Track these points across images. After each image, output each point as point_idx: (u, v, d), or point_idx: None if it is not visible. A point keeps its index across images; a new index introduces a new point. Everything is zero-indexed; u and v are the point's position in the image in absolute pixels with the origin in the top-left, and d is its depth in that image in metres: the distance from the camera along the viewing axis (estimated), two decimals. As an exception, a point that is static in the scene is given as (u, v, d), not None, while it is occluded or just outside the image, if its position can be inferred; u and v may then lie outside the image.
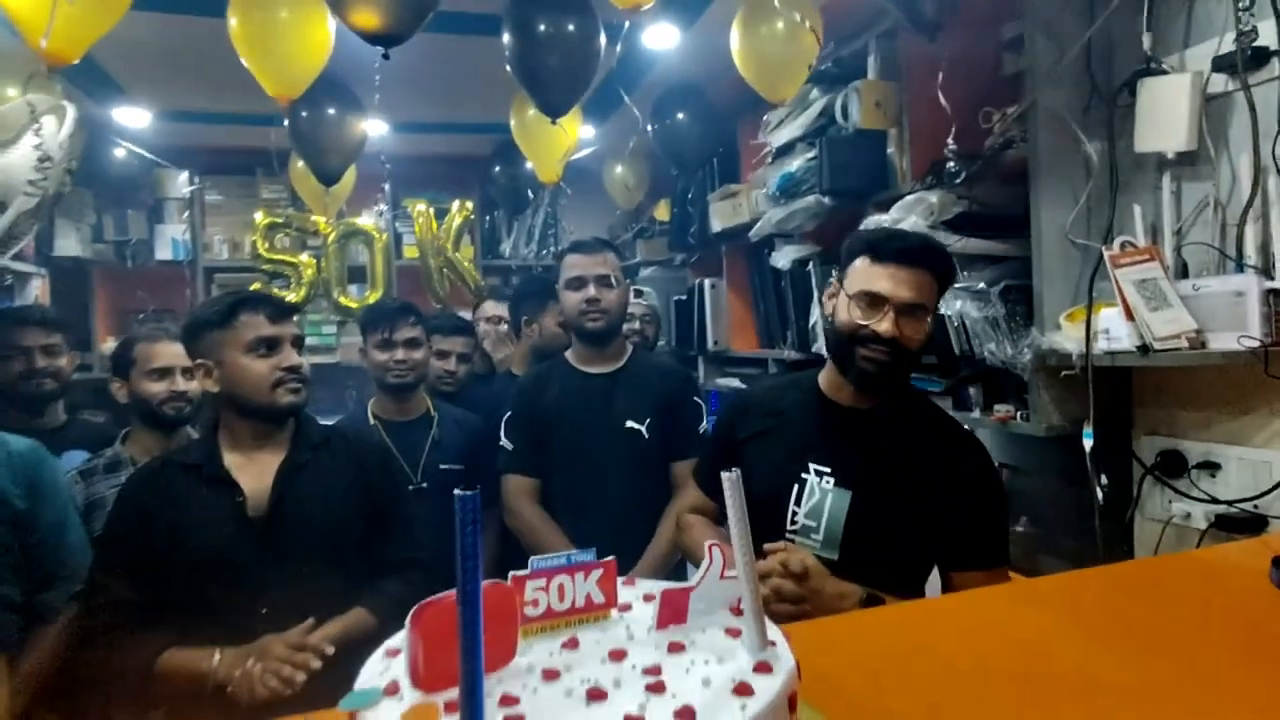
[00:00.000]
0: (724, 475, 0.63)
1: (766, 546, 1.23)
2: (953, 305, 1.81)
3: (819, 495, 1.30)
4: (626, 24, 2.11)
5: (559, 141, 2.53)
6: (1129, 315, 1.53)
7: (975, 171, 1.84)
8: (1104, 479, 1.65)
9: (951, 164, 1.82)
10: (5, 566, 1.54)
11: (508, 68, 1.96)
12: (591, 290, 1.97)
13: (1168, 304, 1.50)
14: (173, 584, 1.47)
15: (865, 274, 1.29)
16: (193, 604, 1.47)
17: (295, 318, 1.63)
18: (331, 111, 2.51)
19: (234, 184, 3.69)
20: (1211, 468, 1.58)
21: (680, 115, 2.84)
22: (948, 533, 1.29)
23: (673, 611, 0.69)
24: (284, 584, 1.50)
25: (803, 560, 1.19)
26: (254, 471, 1.55)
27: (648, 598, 0.74)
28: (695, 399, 2.07)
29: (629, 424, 1.98)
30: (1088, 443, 1.62)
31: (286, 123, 2.51)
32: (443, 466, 2.14)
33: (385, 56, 1.56)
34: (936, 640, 0.90)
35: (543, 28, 1.85)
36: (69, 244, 3.23)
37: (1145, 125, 1.58)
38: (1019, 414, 1.82)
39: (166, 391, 1.93)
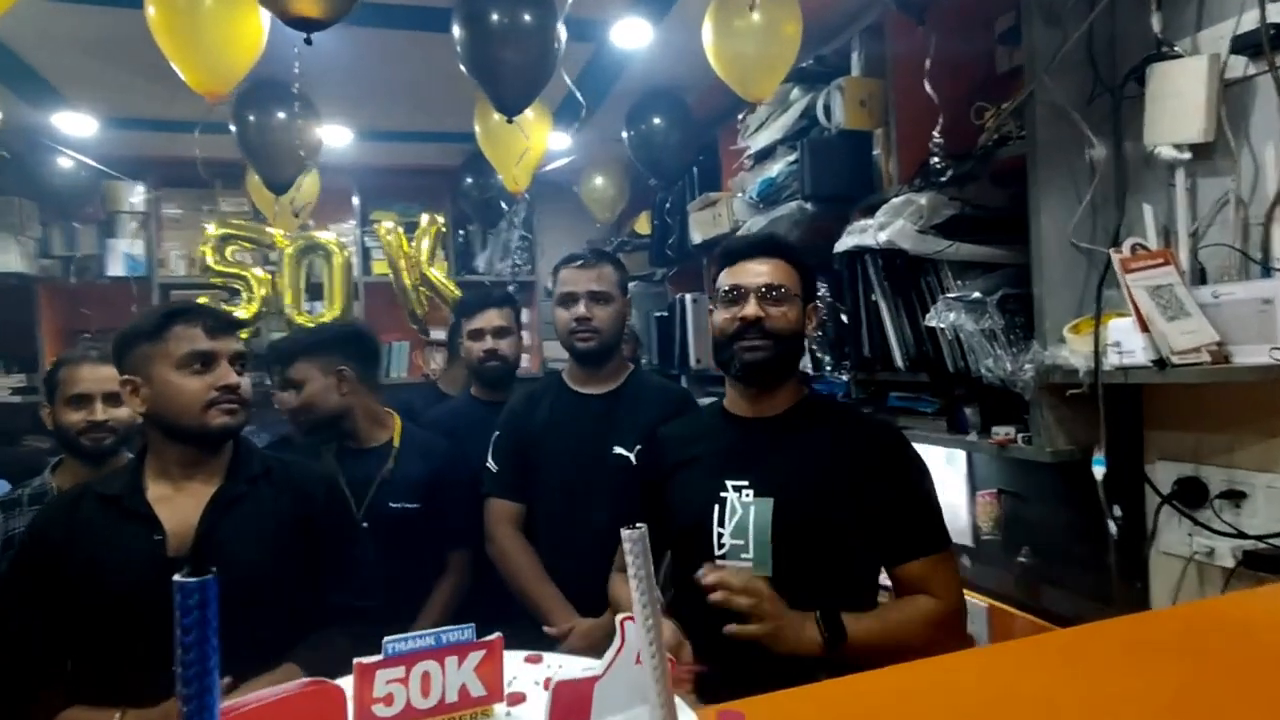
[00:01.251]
0: (624, 533, 0.54)
1: (696, 575, 1.22)
2: (946, 317, 1.65)
3: (741, 510, 1.29)
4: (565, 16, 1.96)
5: (524, 148, 2.37)
6: (1142, 326, 1.36)
7: (967, 171, 1.68)
8: (1116, 509, 1.47)
9: (938, 161, 1.66)
10: None
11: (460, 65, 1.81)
12: (581, 308, 1.83)
13: (1185, 313, 1.33)
14: (80, 632, 1.32)
15: (723, 279, 1.38)
16: (101, 655, 1.31)
17: (238, 333, 1.47)
18: (280, 115, 2.35)
19: (193, 196, 3.52)
20: (1236, 497, 1.41)
21: (657, 121, 2.69)
22: (879, 527, 1.28)
23: (569, 709, 0.51)
24: None
25: (744, 582, 1.20)
26: (180, 505, 1.39)
27: (550, 686, 0.56)
28: None
29: (617, 450, 1.82)
30: (1098, 470, 1.45)
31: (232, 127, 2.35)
32: (393, 505, 1.91)
33: (307, 42, 1.41)
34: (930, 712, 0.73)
35: (495, 18, 1.70)
36: (10, 258, 3.05)
37: (1156, 116, 1.43)
38: (1021, 437, 1.64)
39: (84, 421, 1.75)
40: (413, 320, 3.35)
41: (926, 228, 1.70)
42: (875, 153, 2.06)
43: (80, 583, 1.33)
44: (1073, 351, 1.48)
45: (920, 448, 2.29)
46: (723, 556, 1.29)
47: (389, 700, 0.52)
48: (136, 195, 3.42)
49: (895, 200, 1.77)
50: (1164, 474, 1.52)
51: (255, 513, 1.43)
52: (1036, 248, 1.57)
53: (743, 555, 1.27)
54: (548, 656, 0.70)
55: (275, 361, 1.95)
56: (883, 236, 1.74)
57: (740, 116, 2.47)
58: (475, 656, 0.55)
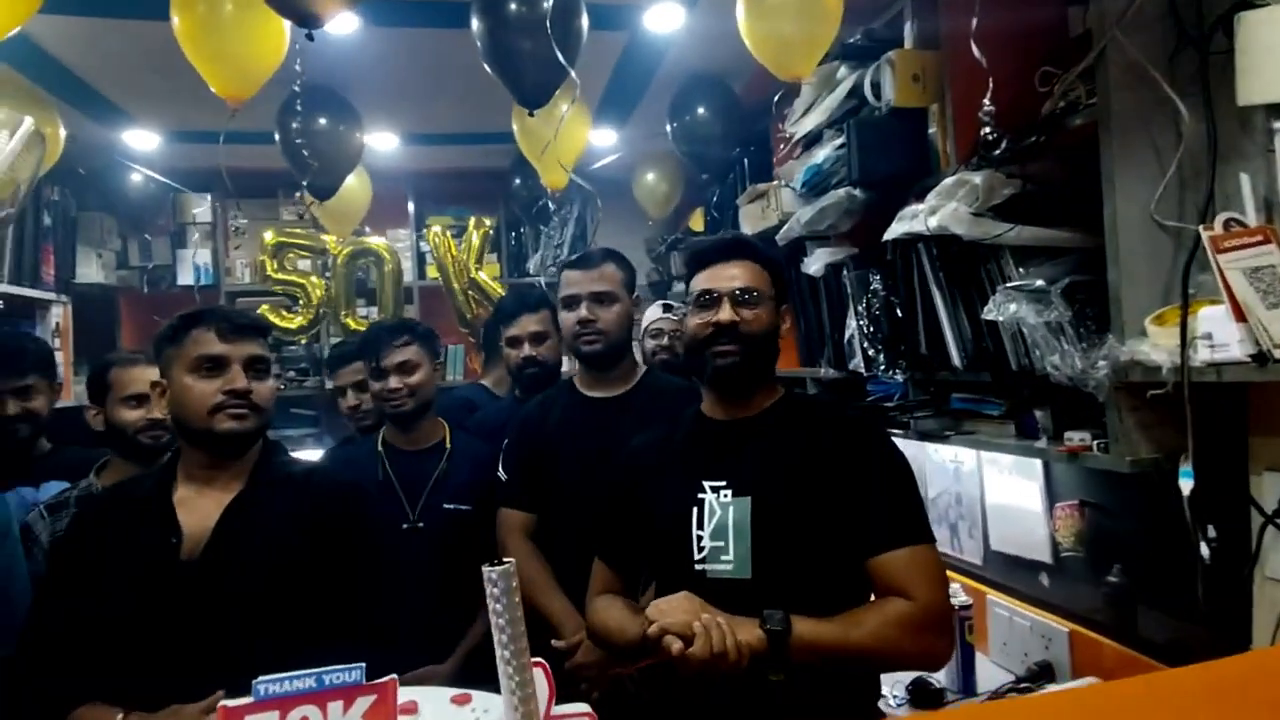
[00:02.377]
0: (485, 570, 0.51)
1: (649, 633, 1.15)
2: (1005, 309, 1.47)
3: (720, 511, 1.27)
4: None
5: (562, 143, 2.30)
6: (1239, 315, 1.16)
7: (1030, 144, 1.50)
8: (1210, 529, 1.27)
9: (990, 133, 1.49)
10: None
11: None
12: (584, 310, 1.77)
13: (1293, 299, 1.12)
14: (101, 631, 1.32)
15: (695, 283, 1.36)
16: (116, 655, 1.32)
17: (260, 338, 1.45)
18: (322, 121, 2.36)
19: (257, 206, 3.64)
20: (1363, 516, 1.19)
21: (700, 111, 2.58)
22: (852, 520, 1.24)
23: None
24: (209, 641, 1.31)
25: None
26: (200, 508, 1.39)
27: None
28: None
29: None
30: (1186, 483, 1.25)
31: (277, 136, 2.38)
32: (447, 506, 1.96)
33: (309, 38, 1.37)
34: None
35: (512, 6, 1.63)
36: (92, 270, 3.22)
37: (1249, 72, 1.21)
38: (1096, 443, 1.45)
39: (143, 419, 1.81)
40: (463, 323, 3.35)
41: (983, 210, 1.53)
42: (931, 131, 1.88)
43: (103, 582, 1.34)
44: (1155, 346, 1.29)
45: (988, 454, 2.14)
46: (703, 560, 1.27)
47: None
48: (203, 207, 3.56)
49: (947, 181, 1.60)
50: (1271, 488, 1.30)
51: (271, 519, 1.41)
52: (1111, 228, 1.37)
53: (723, 558, 1.25)
54: (477, 697, 0.61)
55: (377, 348, 1.98)
56: (933, 221, 1.58)
57: (778, 98, 2.33)
58: (364, 702, 0.47)
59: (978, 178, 1.53)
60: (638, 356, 2.28)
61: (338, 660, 1.33)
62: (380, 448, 2.04)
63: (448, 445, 2.05)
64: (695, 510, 1.30)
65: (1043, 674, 1.90)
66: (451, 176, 3.87)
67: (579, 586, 1.71)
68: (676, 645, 1.10)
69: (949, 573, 1.58)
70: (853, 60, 2.06)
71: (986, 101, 1.49)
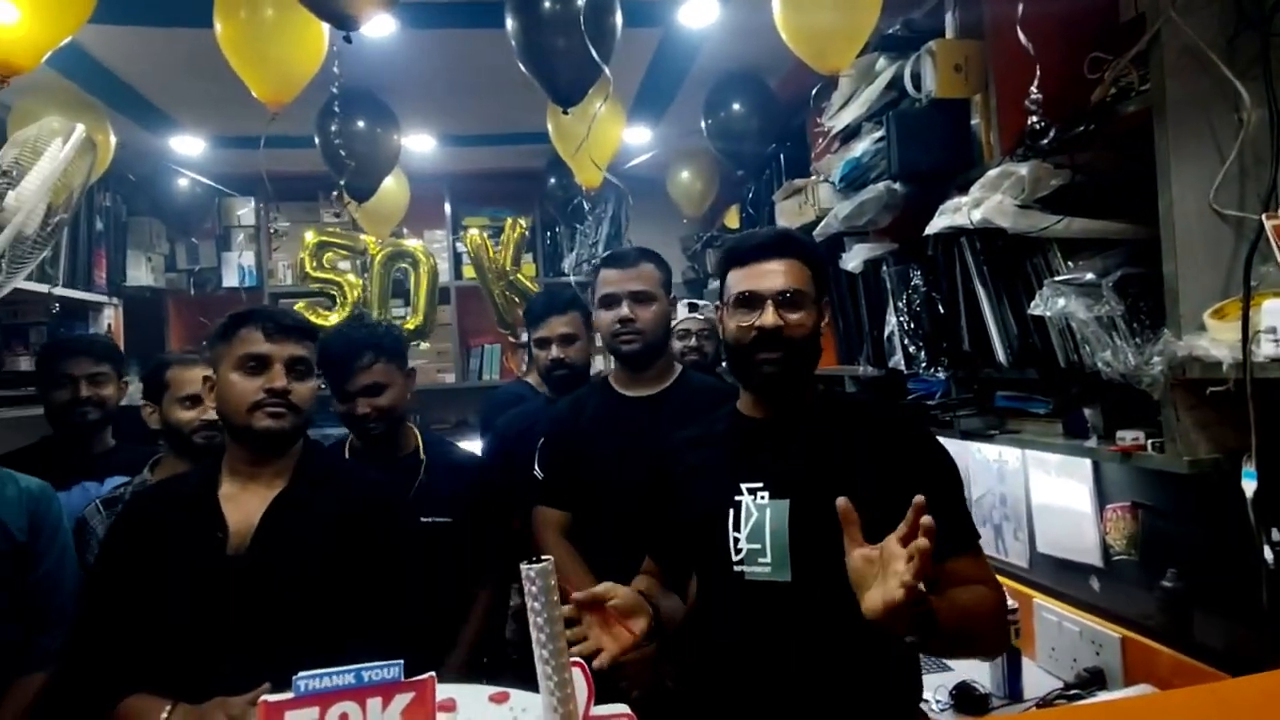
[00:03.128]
0: (523, 568, 0.52)
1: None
2: (1053, 304, 1.42)
3: (756, 513, 1.24)
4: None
5: (596, 141, 2.30)
6: (1306, 308, 1.11)
7: (1080, 134, 1.44)
8: (1275, 532, 1.21)
9: (1037, 122, 1.44)
10: (6, 603, 1.51)
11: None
12: (624, 309, 1.76)
13: (1366, 291, 1.07)
14: (150, 623, 1.36)
15: (734, 281, 1.30)
16: (163, 647, 1.35)
17: (306, 339, 1.47)
18: (360, 124, 2.39)
19: (299, 209, 3.71)
20: None
21: (735, 107, 2.55)
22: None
23: None
24: (254, 634, 1.34)
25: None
26: (245, 504, 1.42)
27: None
28: None
29: None
30: (1249, 484, 1.19)
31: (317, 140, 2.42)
32: (424, 520, 1.81)
33: (347, 40, 1.39)
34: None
35: (546, 5, 1.63)
36: (142, 273, 3.31)
37: (1319, 50, 1.16)
38: (1151, 443, 1.39)
39: (197, 419, 1.85)
40: (501, 324, 3.37)
41: (1029, 201, 1.48)
42: (974, 122, 1.83)
43: (152, 574, 1.38)
44: (1215, 340, 1.23)
45: (1034, 453, 2.08)
46: (740, 562, 1.24)
47: None
48: (246, 210, 3.64)
49: (991, 173, 1.56)
50: (1341, 489, 1.24)
51: (313, 516, 1.44)
52: (1167, 218, 1.32)
53: (760, 560, 1.22)
54: (515, 696, 0.60)
55: (341, 371, 1.87)
56: (976, 215, 1.54)
57: (815, 92, 2.29)
58: (403, 699, 0.47)
59: (1023, 169, 1.49)
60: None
61: (378, 655, 1.36)
62: (348, 457, 1.93)
63: (422, 456, 1.93)
64: (732, 512, 1.27)
65: (1093, 681, 1.84)
66: (487, 177, 3.90)
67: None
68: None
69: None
70: (892, 51, 2.02)
71: (1034, 90, 1.44)
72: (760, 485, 1.26)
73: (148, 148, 3.06)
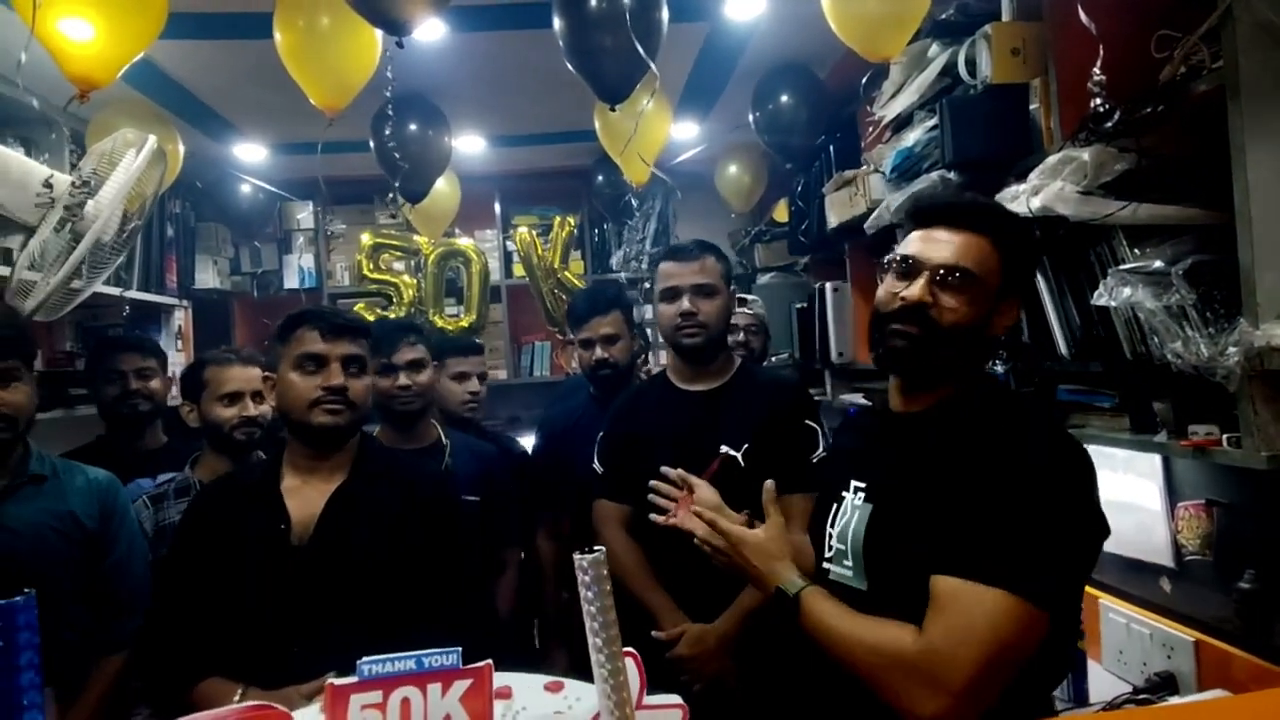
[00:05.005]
0: (576, 558, 0.49)
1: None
2: (1119, 293, 1.36)
3: (849, 513, 1.14)
4: None
5: (644, 137, 2.30)
6: (1398, 294, 1.04)
7: (1147, 115, 1.38)
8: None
9: (1102, 104, 1.38)
10: (79, 588, 1.60)
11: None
12: (686, 303, 1.76)
13: None
14: (220, 608, 1.43)
15: (904, 244, 1.14)
16: (234, 632, 1.42)
17: (360, 338, 1.53)
18: (413, 127, 2.45)
19: (354, 212, 3.81)
20: None
21: (784, 99, 2.53)
22: (944, 528, 1.00)
23: None
24: (319, 621, 1.40)
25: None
26: (306, 497, 1.48)
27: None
28: (808, 421, 1.78)
29: (724, 449, 1.73)
30: (1335, 481, 1.13)
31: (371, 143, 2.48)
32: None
33: (399, 45, 1.42)
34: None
35: (592, 2, 1.64)
36: (209, 277, 3.45)
37: None
38: (1227, 437, 1.33)
39: (237, 417, 1.91)
40: (550, 321, 3.41)
41: (1092, 188, 1.43)
42: (1032, 107, 1.78)
43: (221, 563, 1.44)
44: (1295, 330, 1.17)
45: (1097, 450, 2.00)
46: (829, 560, 1.18)
47: None
48: (305, 214, 3.77)
49: (1052, 159, 1.51)
50: None
51: (372, 508, 1.49)
52: (1242, 201, 1.25)
53: (844, 562, 1.14)
54: (570, 686, 0.61)
55: (388, 345, 1.99)
56: (1036, 202, 1.49)
57: (865, 81, 2.25)
58: (461, 685, 0.48)
59: (1086, 154, 1.43)
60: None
61: (438, 642, 1.40)
62: None
63: (445, 442, 2.07)
64: (835, 506, 1.19)
65: (1164, 685, 1.76)
66: (535, 176, 3.94)
67: (676, 578, 1.72)
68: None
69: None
70: (945, 37, 1.97)
71: (1097, 71, 1.39)
72: (864, 484, 1.16)
73: (213, 156, 3.19)
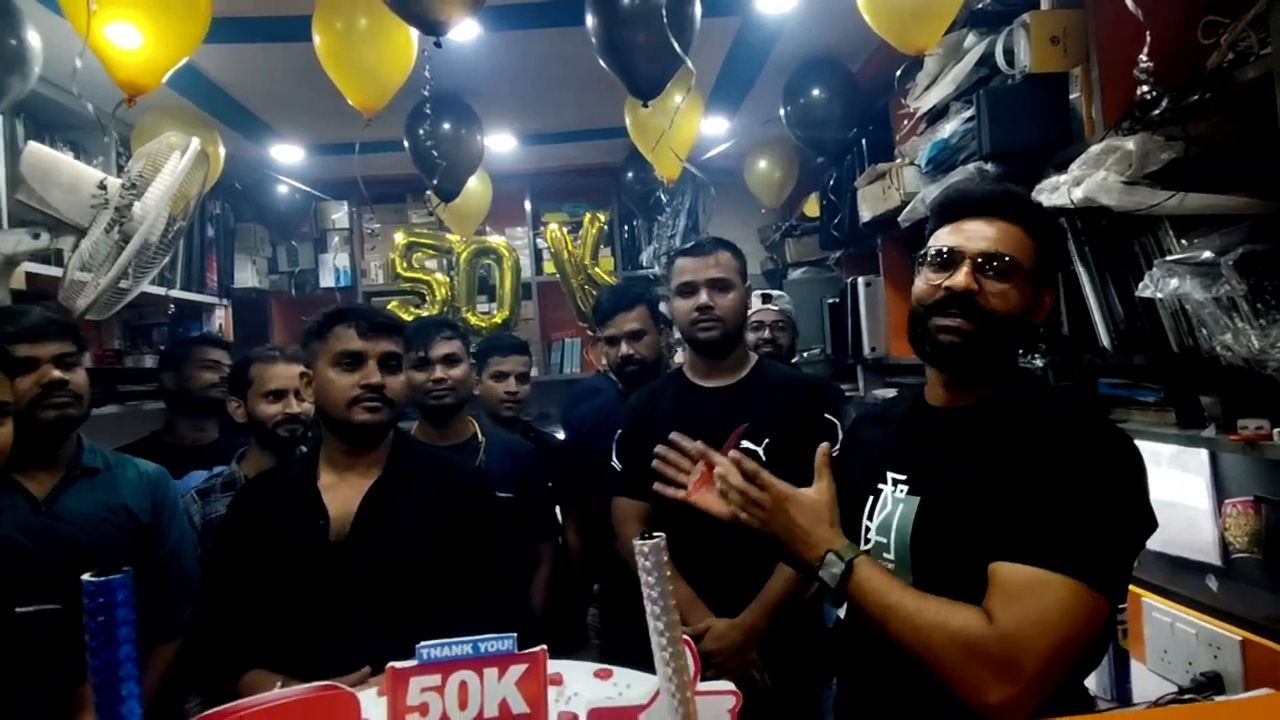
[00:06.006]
0: (636, 544, 0.49)
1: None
2: (1166, 285, 1.34)
3: (890, 506, 1.13)
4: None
5: (675, 133, 2.30)
6: None
7: (1194, 103, 1.35)
8: None
9: (1149, 92, 1.35)
10: (134, 579, 1.64)
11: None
12: (703, 297, 1.76)
13: None
14: (261, 602, 1.46)
15: (937, 239, 1.13)
16: (275, 626, 1.44)
17: (396, 335, 1.54)
18: (447, 127, 2.47)
19: (388, 211, 3.86)
20: None
21: (815, 92, 2.51)
22: (1004, 518, 0.99)
23: None
24: (356, 615, 1.42)
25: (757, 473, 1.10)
26: (343, 493, 1.50)
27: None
28: (828, 416, 1.77)
29: (743, 444, 1.72)
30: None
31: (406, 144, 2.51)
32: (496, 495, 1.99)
33: (437, 45, 1.44)
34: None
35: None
36: (248, 276, 3.53)
37: None
38: (1276, 432, 1.30)
39: (281, 413, 1.95)
40: (581, 317, 3.43)
41: (1137, 177, 1.40)
42: (1073, 96, 1.75)
43: (262, 558, 1.46)
44: (1352, 321, 1.14)
45: (1143, 444, 1.95)
46: (867, 553, 1.12)
47: (424, 709, 0.48)
48: (340, 213, 3.83)
49: (1094, 149, 1.48)
50: None
51: (407, 504, 1.50)
52: (1295, 190, 1.23)
53: (885, 555, 1.11)
54: (619, 673, 0.62)
55: (424, 339, 2.05)
56: (1078, 193, 1.46)
57: (900, 73, 2.22)
58: (517, 670, 0.50)
59: (1130, 143, 1.41)
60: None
61: (477, 632, 1.41)
62: None
63: (480, 438, 2.11)
64: (871, 499, 1.17)
65: (1210, 685, 1.73)
66: (566, 174, 3.96)
67: (698, 574, 1.71)
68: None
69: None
70: (982, 27, 1.94)
71: (1143, 58, 1.36)
72: (904, 477, 1.14)
73: (251, 157, 3.26)
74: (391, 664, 0.50)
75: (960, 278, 1.07)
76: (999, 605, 0.95)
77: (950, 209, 1.15)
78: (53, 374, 1.51)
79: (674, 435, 1.21)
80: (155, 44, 1.51)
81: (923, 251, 1.15)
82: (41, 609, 1.21)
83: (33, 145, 1.80)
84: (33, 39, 1.73)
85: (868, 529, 1.16)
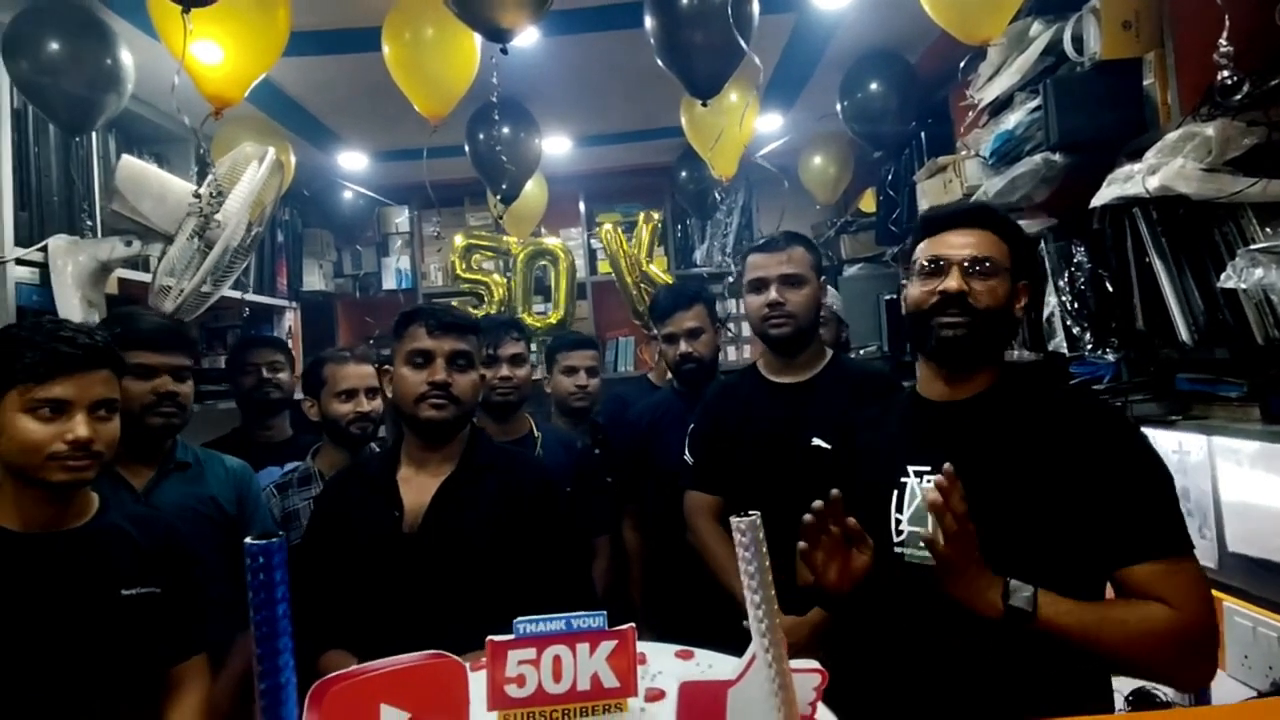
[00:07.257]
0: (734, 521, 0.56)
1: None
2: (1250, 275, 1.29)
3: (919, 497, 1.20)
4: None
5: (731, 131, 2.31)
6: None
7: (1275, 86, 1.30)
8: None
9: (1229, 76, 1.31)
10: (222, 567, 1.73)
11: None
12: (774, 293, 1.77)
13: None
14: (342, 588, 1.52)
15: (922, 250, 1.28)
16: (353, 610, 1.51)
17: (468, 334, 1.59)
18: (507, 131, 2.53)
19: (448, 215, 3.96)
20: None
21: (873, 86, 2.48)
22: (1096, 525, 1.12)
23: (699, 712, 0.46)
24: (427, 606, 1.47)
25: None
26: (418, 486, 1.56)
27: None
28: None
29: (815, 441, 1.72)
30: None
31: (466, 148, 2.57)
32: None
33: (504, 51, 1.48)
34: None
35: (681, -1, 1.66)
36: (315, 279, 3.66)
37: None
38: (1371, 427, 1.24)
39: (352, 412, 2.03)
40: (635, 316, 3.45)
41: (1217, 164, 1.35)
42: (1147, 82, 1.69)
43: (344, 548, 1.53)
44: None
45: (1224, 441, 1.89)
46: (901, 544, 1.22)
47: (520, 681, 0.51)
48: (402, 217, 3.94)
49: (1171, 136, 1.44)
50: None
51: (478, 498, 1.55)
52: (1390, 174, 1.17)
53: (922, 544, 1.15)
54: (699, 654, 0.64)
55: (493, 337, 2.12)
56: (1154, 182, 1.42)
57: (963, 64, 2.18)
58: (607, 646, 0.52)
59: (1210, 129, 1.36)
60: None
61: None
62: None
63: (536, 433, 2.18)
64: (895, 493, 1.24)
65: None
66: (619, 174, 3.99)
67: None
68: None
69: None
70: (1048, 14, 1.90)
71: (1223, 41, 1.31)
72: (928, 468, 1.21)
73: (318, 165, 3.38)
74: (490, 637, 0.53)
75: (952, 281, 1.21)
76: (1171, 596, 1.07)
77: (932, 224, 1.30)
78: (169, 385, 1.61)
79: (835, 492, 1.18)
80: (238, 58, 1.59)
81: (911, 262, 1.30)
82: (143, 591, 1.29)
83: (127, 158, 1.91)
84: (126, 59, 1.84)
85: (898, 521, 1.22)
